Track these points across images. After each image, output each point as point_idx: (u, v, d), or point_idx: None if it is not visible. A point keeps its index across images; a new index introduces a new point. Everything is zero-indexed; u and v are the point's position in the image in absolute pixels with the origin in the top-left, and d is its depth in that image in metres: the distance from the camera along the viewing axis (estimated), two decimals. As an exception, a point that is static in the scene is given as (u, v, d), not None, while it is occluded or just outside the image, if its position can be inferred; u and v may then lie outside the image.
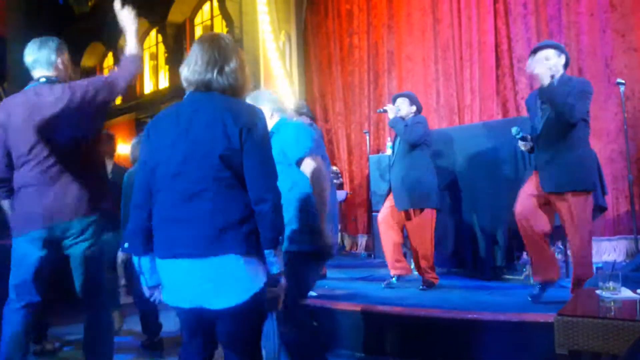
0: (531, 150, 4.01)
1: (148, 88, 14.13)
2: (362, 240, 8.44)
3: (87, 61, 15.15)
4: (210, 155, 1.90)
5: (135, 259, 2.06)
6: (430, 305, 3.94)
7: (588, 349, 2.35)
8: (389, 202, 4.86)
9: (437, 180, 4.80)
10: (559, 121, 3.70)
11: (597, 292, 2.72)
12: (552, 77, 3.67)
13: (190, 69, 2.04)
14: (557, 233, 4.90)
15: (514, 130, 4.00)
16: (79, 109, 2.84)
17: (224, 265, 1.87)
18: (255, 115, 1.99)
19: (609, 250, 6.09)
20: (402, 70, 8.30)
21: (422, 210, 4.74)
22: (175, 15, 12.49)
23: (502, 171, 5.06)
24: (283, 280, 2.01)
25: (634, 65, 6.09)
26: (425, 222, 4.75)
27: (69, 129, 2.83)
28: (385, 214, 4.87)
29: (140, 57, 3.14)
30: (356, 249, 8.47)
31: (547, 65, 3.71)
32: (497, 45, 7.17)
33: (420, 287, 4.75)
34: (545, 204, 3.87)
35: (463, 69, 7.50)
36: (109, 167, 4.66)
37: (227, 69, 2.03)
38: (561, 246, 5.01)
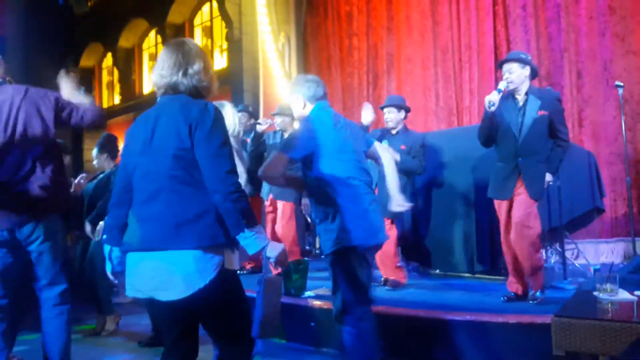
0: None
1: (147, 88, 14.14)
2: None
3: (86, 61, 15.14)
4: (166, 155, 2.01)
5: (106, 248, 2.22)
6: (429, 306, 3.95)
7: (585, 350, 2.36)
8: None
9: None
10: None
11: (595, 293, 2.73)
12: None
13: (157, 73, 2.13)
14: (554, 235, 4.92)
15: (501, 85, 3.78)
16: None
17: (173, 260, 1.96)
18: (204, 111, 2.05)
19: (606, 253, 6.10)
20: (402, 72, 8.32)
21: None
22: (174, 16, 12.49)
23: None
24: (273, 246, 2.07)
25: (632, 68, 6.11)
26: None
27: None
28: None
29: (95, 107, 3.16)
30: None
31: (510, 79, 3.78)
32: (496, 48, 7.19)
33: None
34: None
35: (462, 71, 7.52)
36: (111, 167, 4.67)
37: (190, 70, 2.10)
38: (559, 248, 5.01)
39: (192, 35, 12.70)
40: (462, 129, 6.80)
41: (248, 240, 1.99)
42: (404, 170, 4.34)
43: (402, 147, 4.62)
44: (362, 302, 2.71)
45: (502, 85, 3.75)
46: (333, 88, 9.14)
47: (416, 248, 5.63)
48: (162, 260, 1.97)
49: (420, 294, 4.59)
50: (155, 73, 2.14)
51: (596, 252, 6.11)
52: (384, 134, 4.81)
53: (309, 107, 2.97)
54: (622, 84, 5.14)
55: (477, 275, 5.22)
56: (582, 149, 5.82)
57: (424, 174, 5.00)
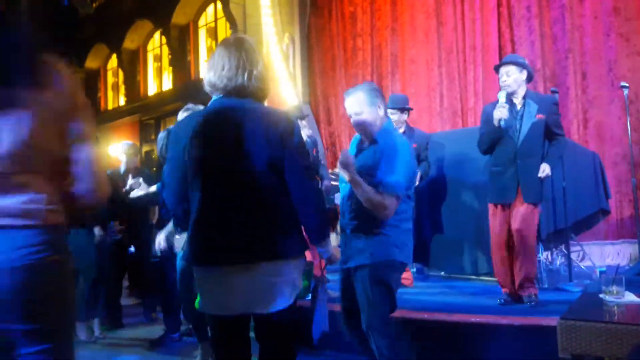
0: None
1: (152, 90, 14.17)
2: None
3: (91, 63, 15.19)
4: (260, 163, 1.93)
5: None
6: (433, 308, 3.94)
7: (591, 353, 2.34)
8: None
9: None
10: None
11: (601, 296, 2.72)
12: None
13: (218, 74, 2.02)
14: (559, 237, 4.90)
15: (502, 96, 3.77)
16: None
17: (274, 271, 1.97)
18: (292, 123, 2.02)
19: (612, 254, 6.08)
20: (406, 73, 8.31)
21: None
22: (179, 17, 12.52)
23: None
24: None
25: (637, 69, 6.09)
26: None
27: None
28: None
29: None
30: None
31: (507, 82, 3.83)
32: (500, 48, 7.18)
33: None
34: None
35: (467, 71, 7.51)
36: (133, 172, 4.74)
37: (255, 72, 2.01)
38: (564, 250, 5.00)
39: (196, 36, 12.72)
40: (467, 130, 6.78)
41: (326, 247, 2.08)
42: None
43: (414, 145, 4.61)
44: (392, 313, 2.70)
45: (502, 96, 3.75)
46: (337, 89, 9.14)
47: (420, 250, 5.62)
48: (261, 272, 1.91)
49: (424, 296, 4.58)
50: (214, 73, 2.02)
51: (602, 254, 6.09)
52: None
53: (384, 121, 2.70)
54: (627, 84, 5.12)
55: (481, 277, 5.21)
56: (587, 149, 5.80)
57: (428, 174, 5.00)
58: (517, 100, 3.84)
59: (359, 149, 2.75)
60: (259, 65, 2.03)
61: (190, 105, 3.64)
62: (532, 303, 3.71)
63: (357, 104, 2.64)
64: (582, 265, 5.56)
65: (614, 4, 6.26)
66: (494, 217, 3.88)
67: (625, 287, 2.73)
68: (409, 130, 4.83)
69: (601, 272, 4.07)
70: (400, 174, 2.50)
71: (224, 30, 11.88)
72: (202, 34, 12.76)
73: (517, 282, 3.80)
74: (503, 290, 3.96)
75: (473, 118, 7.31)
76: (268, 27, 9.27)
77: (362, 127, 2.66)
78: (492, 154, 3.91)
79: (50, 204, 1.41)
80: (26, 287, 1.34)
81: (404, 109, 4.77)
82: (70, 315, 1.49)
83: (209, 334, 2.20)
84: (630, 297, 2.70)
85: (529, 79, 3.89)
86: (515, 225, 3.74)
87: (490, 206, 3.92)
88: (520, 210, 3.74)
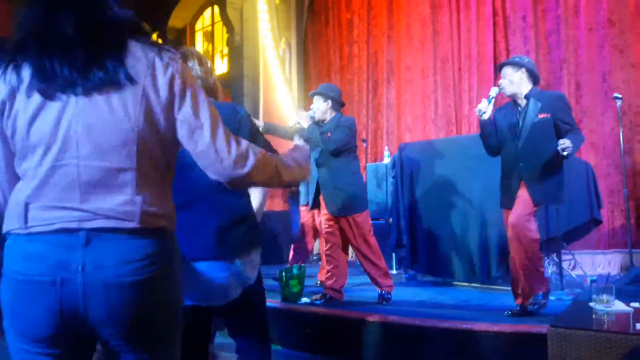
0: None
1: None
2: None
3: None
4: None
5: None
6: (426, 314, 3.95)
7: (581, 361, 2.36)
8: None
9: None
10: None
11: (591, 304, 2.74)
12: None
13: None
14: (551, 246, 4.93)
15: (494, 90, 3.78)
16: None
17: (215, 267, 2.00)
18: (245, 113, 2.15)
19: (603, 264, 6.11)
20: (401, 80, 8.35)
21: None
22: (175, 20, 12.51)
23: (497, 182, 5.07)
24: None
25: (631, 81, 6.14)
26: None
27: None
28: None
29: None
30: (351, 257, 8.45)
31: (503, 84, 3.80)
32: (495, 58, 7.23)
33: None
34: None
35: (462, 80, 7.55)
36: None
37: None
38: (556, 259, 5.02)
39: (193, 39, 12.72)
40: (461, 137, 6.81)
41: None
42: None
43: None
44: None
45: (492, 92, 3.75)
46: (333, 95, 9.17)
47: (414, 255, 5.64)
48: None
49: (416, 303, 4.59)
50: None
51: (593, 263, 6.12)
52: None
53: None
54: (620, 95, 5.17)
55: (473, 284, 5.23)
56: (580, 159, 5.84)
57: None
58: (521, 100, 3.79)
59: None
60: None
61: None
62: (536, 307, 3.65)
63: None
64: (574, 273, 5.59)
65: (609, 16, 6.32)
66: (506, 219, 3.78)
67: (615, 296, 2.76)
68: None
69: (592, 281, 4.08)
70: None
71: (220, 34, 11.89)
72: (199, 37, 12.76)
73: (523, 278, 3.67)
74: (516, 301, 3.82)
75: (467, 126, 7.35)
76: (265, 32, 9.30)
77: None
78: (501, 158, 3.86)
79: (153, 206, 1.28)
80: (133, 305, 1.22)
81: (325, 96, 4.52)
82: (178, 329, 1.37)
83: None
84: (619, 305, 2.72)
85: (534, 79, 3.80)
86: (511, 218, 3.65)
87: (503, 212, 3.84)
88: (518, 204, 3.64)
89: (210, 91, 2.14)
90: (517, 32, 7.06)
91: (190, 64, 2.09)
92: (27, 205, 1.23)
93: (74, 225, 1.21)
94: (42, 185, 1.23)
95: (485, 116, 3.71)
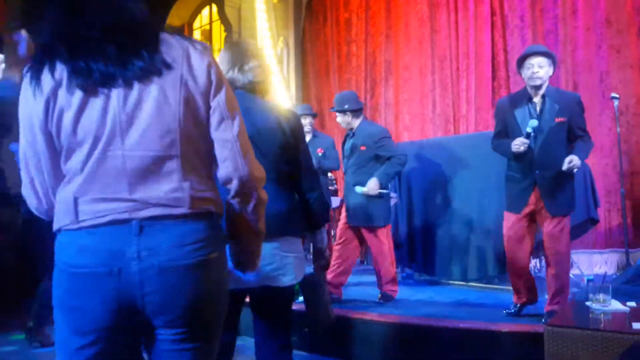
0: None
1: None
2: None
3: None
4: (274, 149, 2.10)
5: None
6: (423, 314, 3.96)
7: (577, 360, 2.37)
8: None
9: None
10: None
11: (588, 303, 2.75)
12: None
13: None
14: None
15: (533, 123, 3.43)
16: None
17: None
18: (295, 114, 2.28)
19: (600, 263, 6.12)
20: (399, 80, 8.35)
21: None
22: (173, 19, 12.48)
23: (495, 181, 5.08)
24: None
25: (628, 81, 6.15)
26: None
27: None
28: None
29: None
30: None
31: (539, 74, 3.55)
32: (493, 57, 7.23)
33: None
34: (530, 224, 3.67)
35: (459, 79, 7.55)
36: None
37: (246, 67, 2.16)
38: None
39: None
40: (459, 137, 6.83)
41: (322, 234, 2.29)
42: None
43: (319, 150, 5.06)
44: None
45: (532, 125, 3.42)
46: (331, 94, 9.15)
47: (411, 255, 5.65)
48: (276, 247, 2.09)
49: (413, 302, 4.60)
50: None
51: (590, 263, 6.13)
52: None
53: None
54: (617, 95, 5.18)
55: (470, 284, 5.24)
56: (577, 159, 5.84)
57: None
58: (536, 98, 3.53)
59: None
60: (252, 61, 2.17)
61: None
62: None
63: None
64: (571, 273, 5.60)
65: (606, 16, 6.33)
66: (507, 224, 3.69)
67: (612, 296, 2.77)
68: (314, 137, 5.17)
69: (589, 280, 4.10)
70: None
71: (218, 33, 11.88)
72: (197, 36, 12.74)
73: (549, 294, 3.60)
74: (514, 299, 3.83)
75: (465, 125, 7.36)
76: (263, 31, 9.29)
77: None
78: (511, 161, 3.69)
79: (201, 191, 1.31)
80: (189, 288, 1.24)
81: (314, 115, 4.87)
82: (225, 313, 1.40)
83: None
84: (616, 305, 2.74)
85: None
86: (546, 243, 3.57)
87: (505, 213, 3.74)
88: (549, 228, 3.51)
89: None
90: (515, 31, 7.06)
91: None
92: (76, 199, 1.24)
93: (125, 215, 1.23)
94: (89, 178, 1.25)
95: (523, 149, 3.44)
